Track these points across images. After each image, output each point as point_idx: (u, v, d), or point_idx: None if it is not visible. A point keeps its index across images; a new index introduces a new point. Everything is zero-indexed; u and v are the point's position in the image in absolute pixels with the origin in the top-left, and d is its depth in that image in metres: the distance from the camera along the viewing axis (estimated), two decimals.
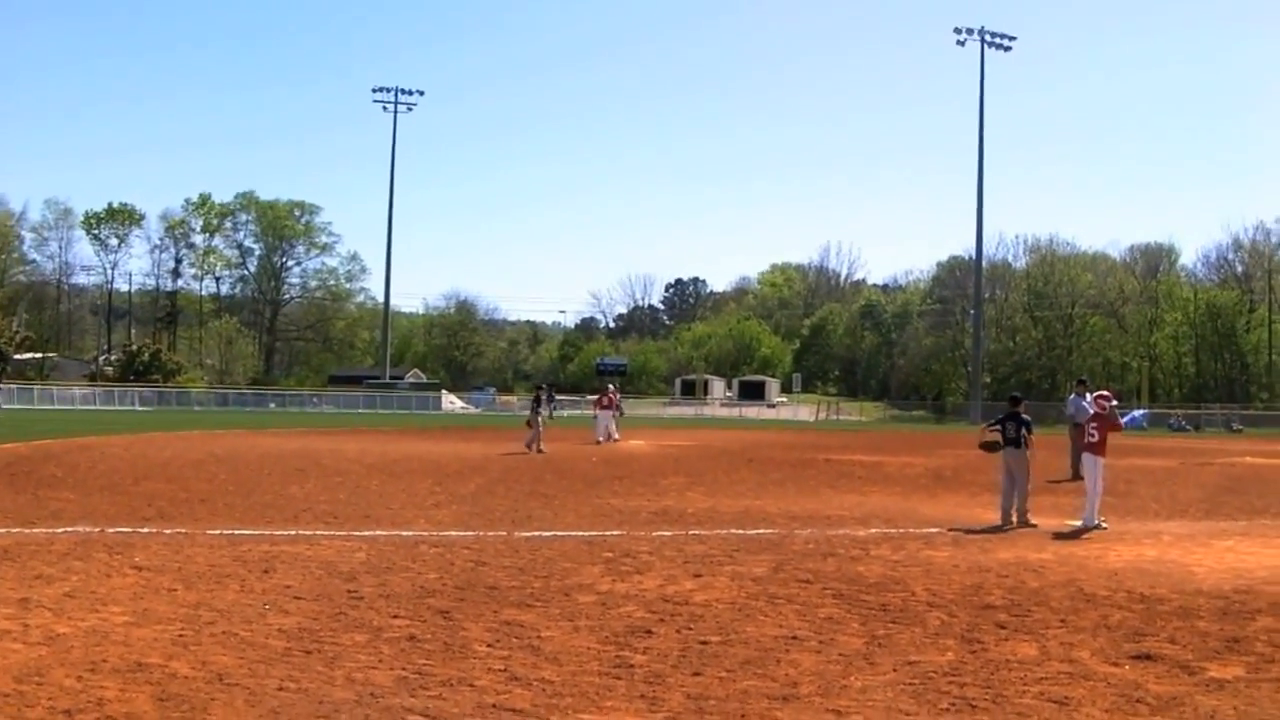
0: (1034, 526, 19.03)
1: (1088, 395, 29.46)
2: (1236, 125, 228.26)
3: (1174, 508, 23.33)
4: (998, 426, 20.30)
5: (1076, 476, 27.06)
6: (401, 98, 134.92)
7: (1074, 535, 18.34)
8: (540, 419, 41.84)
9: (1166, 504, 24.13)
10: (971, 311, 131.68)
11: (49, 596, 11.71)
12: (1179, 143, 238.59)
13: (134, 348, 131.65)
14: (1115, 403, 20.97)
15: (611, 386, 55.12)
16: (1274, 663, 9.72)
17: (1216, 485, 29.51)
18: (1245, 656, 9.93)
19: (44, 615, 10.77)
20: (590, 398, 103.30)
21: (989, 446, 20.36)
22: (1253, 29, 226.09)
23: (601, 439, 46.90)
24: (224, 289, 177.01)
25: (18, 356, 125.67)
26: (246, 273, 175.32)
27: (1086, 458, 20.02)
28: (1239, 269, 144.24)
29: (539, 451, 39.39)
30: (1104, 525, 19.05)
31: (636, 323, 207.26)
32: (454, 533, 17.67)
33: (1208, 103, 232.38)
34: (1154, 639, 10.56)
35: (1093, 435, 19.93)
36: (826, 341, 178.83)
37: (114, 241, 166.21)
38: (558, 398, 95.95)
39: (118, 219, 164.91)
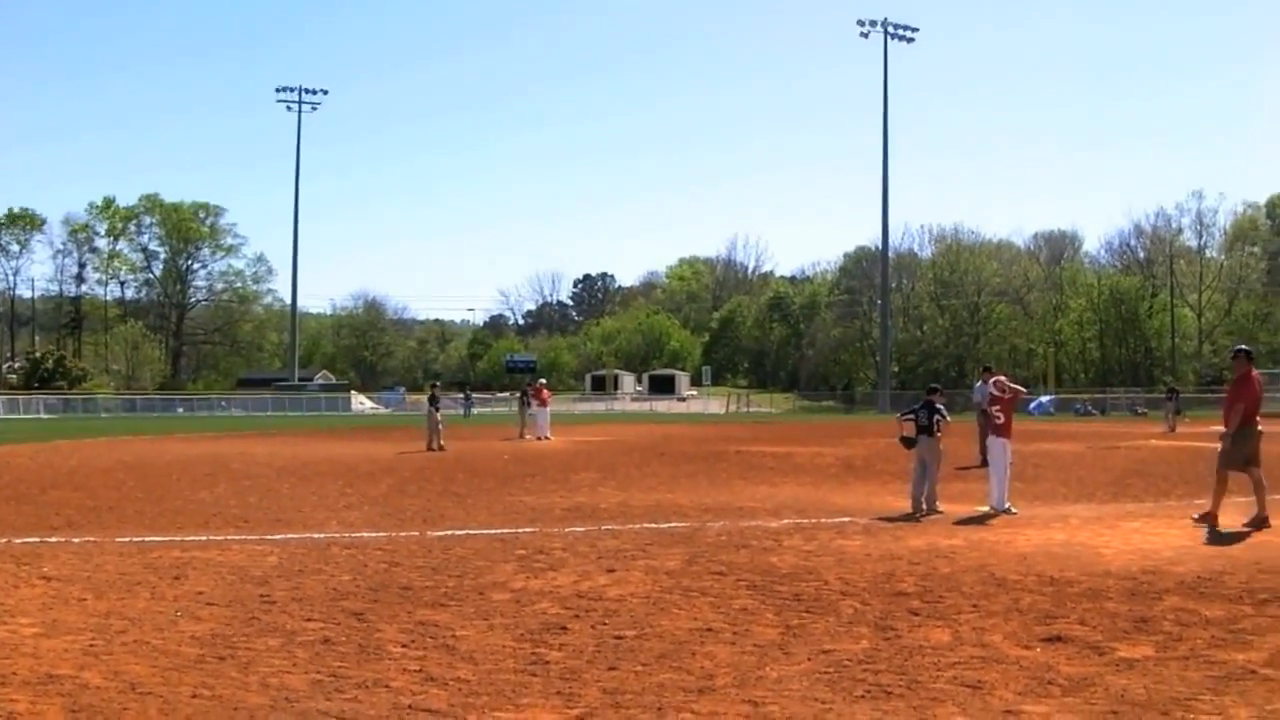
0: (941, 513, 19.18)
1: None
2: (1136, 112, 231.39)
3: (1081, 491, 23.61)
4: (911, 416, 20.44)
5: (985, 462, 27.33)
6: (305, 97, 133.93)
7: (983, 520, 18.52)
8: (439, 416, 41.96)
9: (1074, 488, 24.42)
10: (879, 302, 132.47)
11: None
12: (1080, 131, 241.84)
13: (38, 355, 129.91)
14: (1020, 387, 21.11)
15: (543, 381, 55.47)
16: (1182, 641, 9.86)
17: (1123, 468, 29.88)
18: (1154, 636, 10.07)
19: None
20: (502, 395, 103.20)
21: (908, 442, 20.48)
22: (1152, 14, 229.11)
23: (547, 435, 47.24)
24: (129, 293, 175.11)
25: None
26: (152, 276, 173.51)
27: (993, 441, 20.16)
28: (1141, 255, 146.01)
29: (438, 449, 39.44)
30: (1013, 510, 19.23)
31: (545, 319, 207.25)
32: (366, 534, 17.59)
33: (1107, 90, 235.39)
34: (1064, 621, 10.68)
35: (998, 418, 20.10)
36: (735, 334, 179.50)
37: (15, 247, 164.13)
38: (474, 396, 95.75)
39: (18, 224, 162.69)
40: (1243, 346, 19.62)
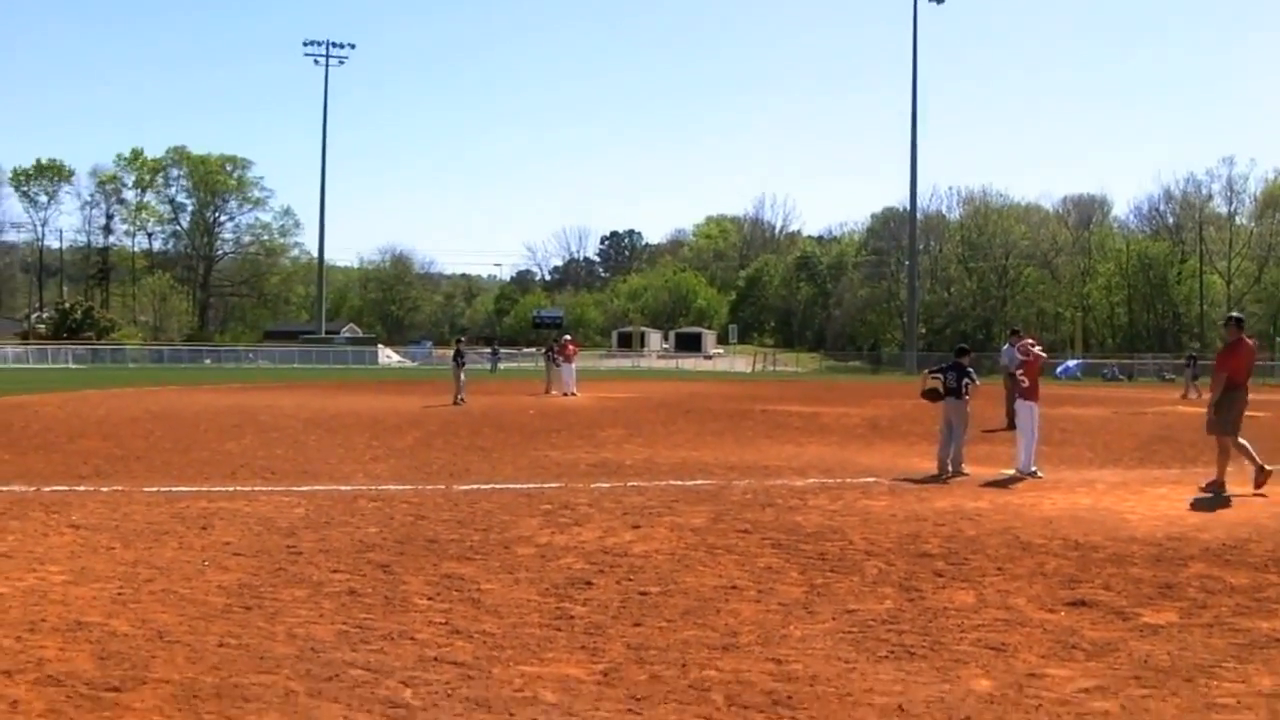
0: (967, 475, 19.15)
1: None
2: (1168, 76, 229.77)
3: (1108, 456, 23.55)
4: (939, 374, 20.38)
5: (1012, 425, 27.27)
6: (333, 51, 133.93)
7: (1008, 483, 18.47)
8: (462, 371, 42.08)
9: (1100, 452, 24.36)
10: (906, 263, 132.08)
11: None
12: (1111, 94, 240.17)
13: (67, 305, 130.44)
14: (1039, 347, 21.04)
15: (569, 336, 55.52)
16: (1206, 608, 9.85)
17: (1149, 434, 29.80)
18: (1178, 602, 10.05)
19: None
20: (529, 350, 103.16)
21: (930, 395, 20.45)
22: None
23: (573, 391, 47.33)
24: (157, 245, 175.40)
25: None
26: (179, 228, 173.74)
27: (1020, 405, 20.10)
28: (1170, 221, 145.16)
29: (458, 403, 39.54)
30: (1039, 474, 19.18)
31: (572, 275, 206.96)
32: (393, 486, 17.64)
33: (1139, 54, 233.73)
34: (1089, 586, 10.67)
35: (1023, 381, 20.04)
36: (762, 293, 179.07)
37: (44, 198, 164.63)
38: (501, 351, 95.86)
39: (47, 175, 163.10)
40: (1235, 314, 19.61)
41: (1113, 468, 21.18)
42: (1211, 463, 18.21)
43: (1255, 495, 17.03)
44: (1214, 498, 16.86)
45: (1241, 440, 17.95)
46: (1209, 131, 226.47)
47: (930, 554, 12.27)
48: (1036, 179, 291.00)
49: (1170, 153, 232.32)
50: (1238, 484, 17.33)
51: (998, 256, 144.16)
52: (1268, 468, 17.47)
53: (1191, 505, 16.02)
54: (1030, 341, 21.08)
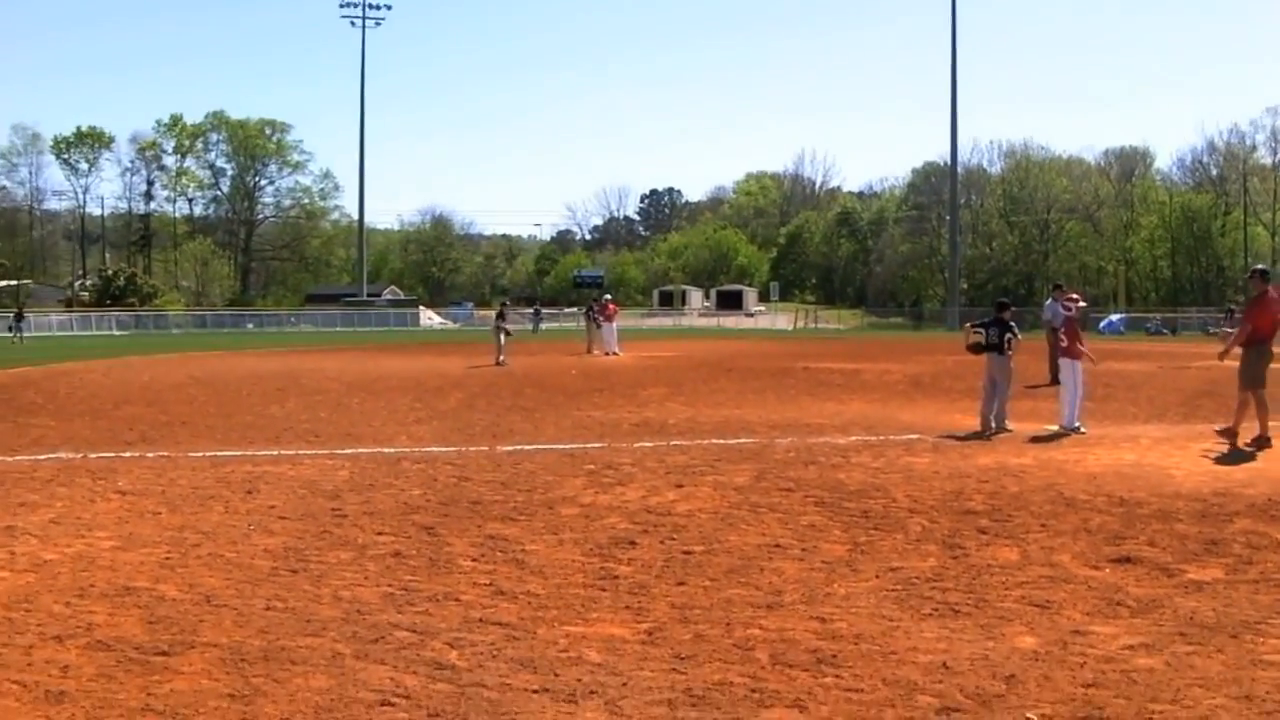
0: (1010, 431, 19.10)
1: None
2: (1211, 27, 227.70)
3: (1152, 411, 23.43)
4: (980, 329, 20.28)
5: (1055, 381, 27.18)
6: (369, 11, 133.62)
7: (1052, 439, 18.41)
8: (501, 333, 42.20)
9: (1145, 408, 24.22)
10: (947, 218, 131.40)
11: (34, 523, 11.72)
12: (1153, 45, 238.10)
13: (109, 272, 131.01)
14: (1083, 303, 20.94)
15: (609, 296, 55.54)
16: (1252, 564, 9.81)
17: (1194, 389, 29.59)
18: (1223, 558, 10.02)
19: (30, 542, 10.79)
20: (570, 310, 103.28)
21: (975, 349, 20.33)
22: None
23: (615, 350, 47.35)
24: (197, 210, 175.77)
25: None
26: (219, 193, 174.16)
27: (1064, 362, 20.00)
28: (1214, 172, 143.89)
29: (500, 364, 39.63)
30: (1083, 430, 19.11)
31: (613, 234, 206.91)
32: (436, 448, 17.70)
33: (1183, 3, 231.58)
34: (1134, 542, 10.65)
35: (1064, 340, 19.94)
36: (803, 250, 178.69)
37: (84, 165, 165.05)
38: (543, 311, 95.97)
39: (87, 142, 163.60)
40: (1260, 267, 19.51)
41: (1157, 423, 21.08)
42: (1272, 418, 18.11)
43: (1247, 447, 17.14)
44: (1242, 451, 16.85)
45: (1267, 400, 17.89)
46: (1253, 82, 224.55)
47: (974, 511, 12.25)
48: (1078, 132, 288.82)
49: (1213, 104, 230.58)
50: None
51: (1039, 210, 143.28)
52: (1271, 438, 17.37)
53: (1235, 461, 15.92)
54: (1074, 296, 20.98)
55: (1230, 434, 17.47)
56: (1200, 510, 12.19)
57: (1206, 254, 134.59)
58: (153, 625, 8.04)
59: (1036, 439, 18.36)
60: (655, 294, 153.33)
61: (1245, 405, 17.76)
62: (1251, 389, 17.76)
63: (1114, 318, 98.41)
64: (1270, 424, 17.60)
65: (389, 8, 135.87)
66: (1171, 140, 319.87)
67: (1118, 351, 50.14)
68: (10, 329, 72.83)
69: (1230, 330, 21.59)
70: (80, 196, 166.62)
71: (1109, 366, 20.94)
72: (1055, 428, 19.35)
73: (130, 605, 8.56)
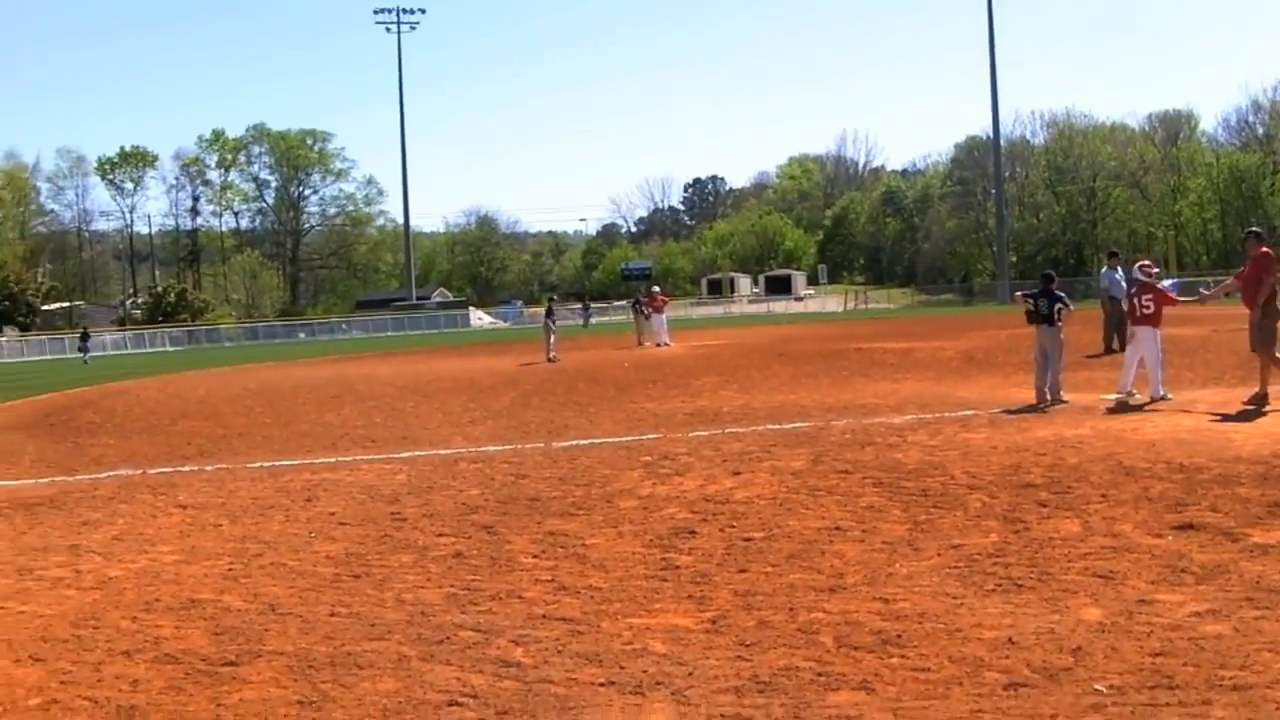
0: (1066, 403, 19.00)
1: (1119, 268, 29.40)
2: None
3: (1208, 375, 23.27)
4: (1031, 298, 20.14)
5: (1109, 350, 27.02)
6: (403, 17, 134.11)
7: (1111, 409, 18.31)
8: (552, 328, 42.34)
9: (1200, 372, 24.06)
10: (993, 191, 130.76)
11: (98, 541, 11.82)
12: (1193, 5, 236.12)
13: (160, 289, 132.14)
14: (1157, 270, 20.77)
15: (657, 288, 55.57)
16: None
17: (1250, 352, 29.34)
18: None
19: (94, 560, 10.87)
20: (619, 304, 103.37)
21: (1031, 317, 20.14)
22: None
23: (666, 341, 47.34)
24: (244, 223, 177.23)
25: (45, 307, 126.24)
26: (265, 205, 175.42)
27: (1144, 330, 19.54)
28: (1260, 131, 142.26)
29: (551, 360, 39.69)
30: (1169, 396, 18.99)
31: (658, 225, 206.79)
32: (492, 447, 17.74)
33: None
34: (1195, 508, 10.58)
35: (1148, 307, 19.58)
36: (849, 231, 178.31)
37: (129, 185, 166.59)
38: (593, 306, 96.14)
39: (131, 162, 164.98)
40: (1254, 228, 19.44)
41: (1214, 387, 20.94)
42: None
43: (1245, 404, 17.45)
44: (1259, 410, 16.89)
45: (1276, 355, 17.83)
46: None
47: (1033, 484, 12.19)
48: (1121, 97, 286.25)
49: (1257, 62, 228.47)
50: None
51: (1085, 179, 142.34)
52: (1269, 397, 17.45)
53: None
54: (1148, 263, 20.78)
55: (1260, 399, 17.37)
56: (1262, 473, 12.06)
57: (1257, 214, 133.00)
58: (219, 636, 8.09)
59: (1094, 409, 18.26)
60: (704, 283, 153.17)
61: (1268, 366, 17.69)
62: (1267, 350, 17.71)
63: (1166, 283, 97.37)
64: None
65: (423, 11, 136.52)
66: (1216, 101, 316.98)
67: (1171, 316, 49.71)
68: (79, 349, 73.46)
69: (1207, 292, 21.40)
70: (127, 216, 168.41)
71: (1164, 332, 20.77)
72: (1115, 396, 19.21)
73: (196, 617, 8.62)
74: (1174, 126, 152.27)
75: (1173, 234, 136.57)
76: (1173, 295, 20.28)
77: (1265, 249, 18.19)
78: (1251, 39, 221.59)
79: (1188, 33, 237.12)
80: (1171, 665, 6.57)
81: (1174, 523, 10.04)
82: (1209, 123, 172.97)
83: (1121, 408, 18.31)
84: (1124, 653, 6.83)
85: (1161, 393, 19.03)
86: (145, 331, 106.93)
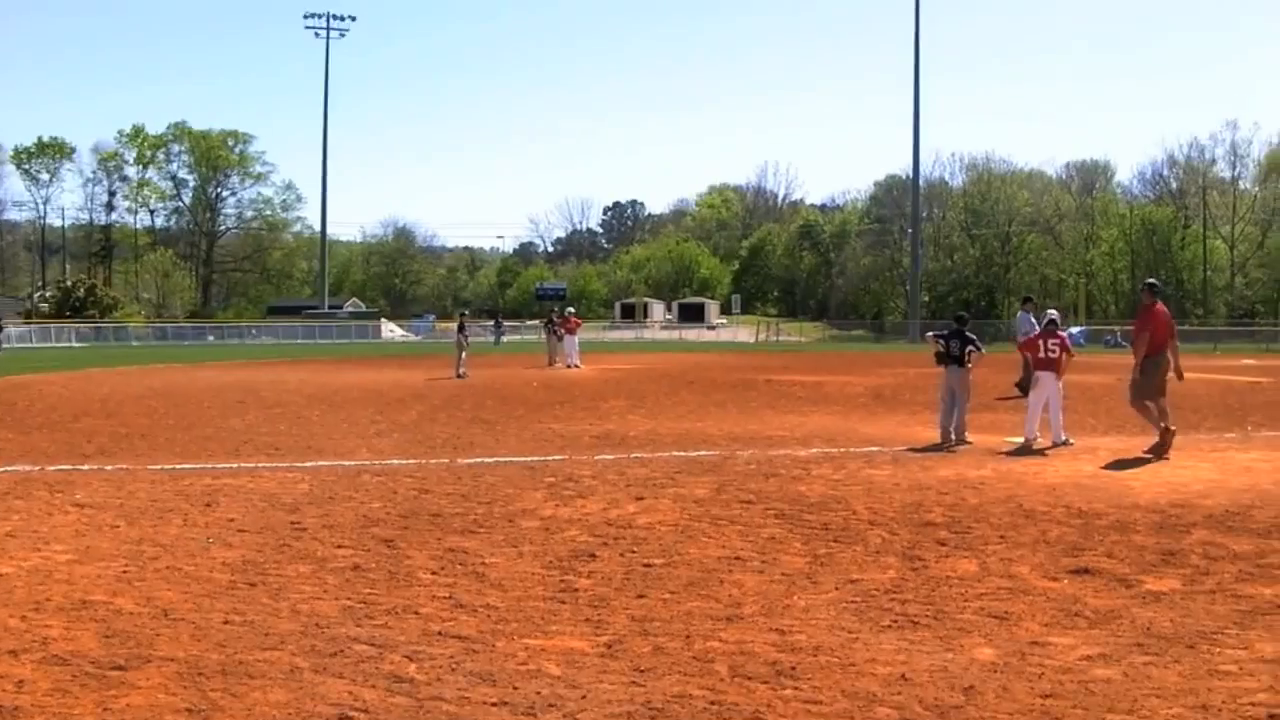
0: (970, 444, 19.17)
1: (1033, 313, 29.74)
2: (1171, 41, 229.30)
3: (1110, 423, 23.55)
4: (942, 338, 20.30)
5: (1025, 393, 27.32)
6: (333, 23, 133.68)
7: (1014, 452, 18.48)
8: (463, 344, 42.35)
9: (1104, 419, 24.37)
10: (909, 230, 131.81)
11: None
12: (1114, 59, 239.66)
13: (69, 283, 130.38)
14: (1065, 332, 20.98)
15: (571, 310, 55.64)
16: (1208, 575, 9.88)
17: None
18: (1181, 569, 10.08)
19: None
20: (532, 323, 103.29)
21: (939, 358, 20.28)
22: None
23: (576, 363, 47.39)
24: (159, 221, 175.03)
25: None
26: (181, 204, 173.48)
27: (1047, 376, 19.56)
28: (1174, 185, 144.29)
29: (460, 376, 39.64)
30: (1070, 441, 19.20)
31: (575, 247, 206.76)
32: (396, 461, 17.67)
33: (1143, 19, 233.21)
34: (1092, 554, 10.70)
35: (1053, 352, 19.72)
36: (765, 262, 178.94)
37: (45, 176, 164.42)
38: (505, 324, 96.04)
39: (48, 153, 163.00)
40: (1150, 280, 19.83)
41: (1116, 434, 21.18)
42: (1230, 429, 18.30)
43: (1144, 453, 17.71)
44: (1155, 458, 17.34)
45: (1167, 408, 18.17)
46: (1212, 96, 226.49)
47: (933, 523, 12.29)
48: (1040, 145, 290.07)
49: (1173, 118, 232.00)
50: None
51: (1001, 223, 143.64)
52: (1166, 447, 17.73)
53: (1192, 473, 16.02)
54: (1055, 313, 20.93)
55: (1160, 448, 17.65)
56: (1158, 521, 12.29)
57: (1166, 267, 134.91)
58: (109, 639, 7.99)
59: (996, 452, 18.44)
60: (617, 306, 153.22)
61: (1147, 412, 18.05)
62: (1148, 400, 18.05)
63: (1074, 330, 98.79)
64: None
65: (353, 19, 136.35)
66: (1133, 154, 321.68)
67: (1078, 364, 50.25)
68: None
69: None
70: (41, 207, 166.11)
71: (1068, 379, 20.95)
72: (1018, 440, 19.39)
73: (86, 619, 8.51)
74: (1090, 176, 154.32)
75: (1084, 282, 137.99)
76: (1070, 347, 20.44)
77: (1151, 303, 18.50)
78: (1170, 94, 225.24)
79: (1109, 85, 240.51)
80: (1061, 707, 6.63)
81: (1070, 566, 10.15)
82: (1125, 174, 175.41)
83: (1023, 451, 18.50)
84: (1015, 693, 6.88)
85: (1063, 438, 19.24)
86: (52, 326, 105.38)
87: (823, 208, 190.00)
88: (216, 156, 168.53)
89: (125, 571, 10.08)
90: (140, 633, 8.14)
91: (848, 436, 21.01)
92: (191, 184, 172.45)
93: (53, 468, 16.95)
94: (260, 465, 17.27)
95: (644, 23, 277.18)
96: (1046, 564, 10.29)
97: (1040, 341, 20.04)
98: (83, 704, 6.70)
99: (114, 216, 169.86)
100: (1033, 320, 29.44)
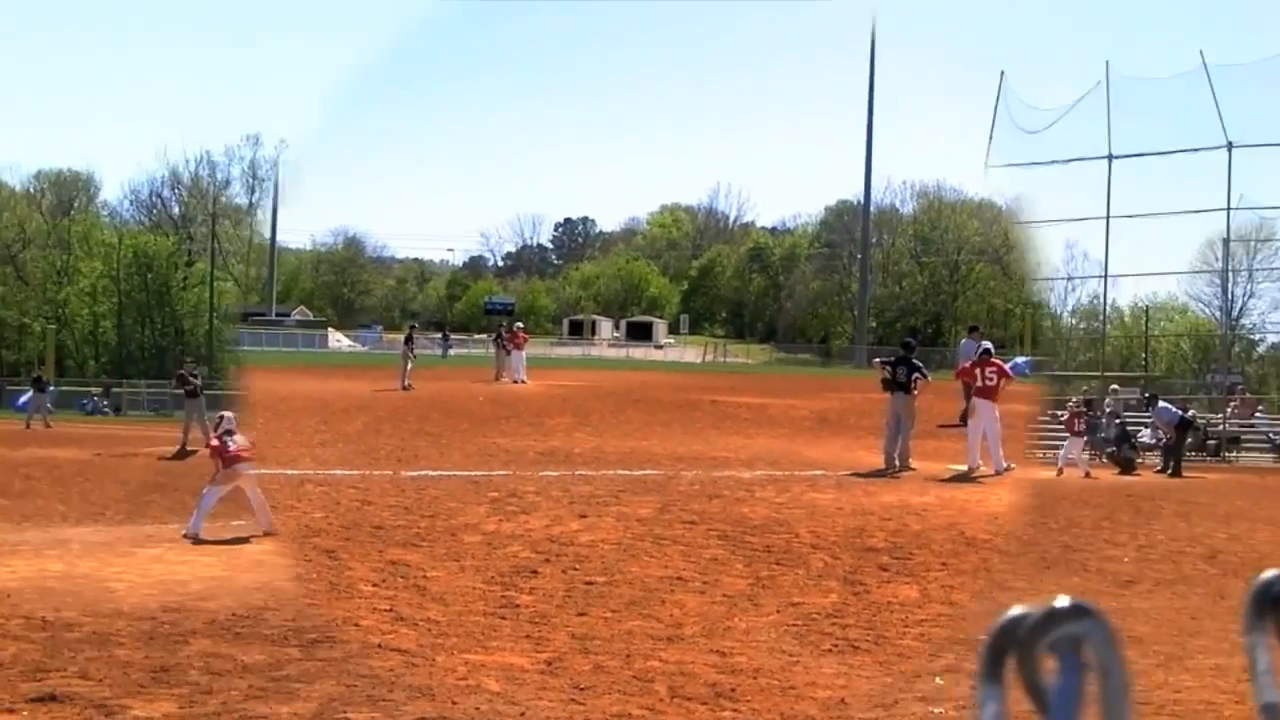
0: (913, 470, 19.22)
1: (978, 342, 29.91)
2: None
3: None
4: (889, 365, 20.37)
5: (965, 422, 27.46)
6: None
7: (956, 479, 18.56)
8: (410, 356, 42.24)
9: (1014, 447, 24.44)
10: (859, 256, 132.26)
11: None
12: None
13: None
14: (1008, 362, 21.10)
15: (520, 325, 55.60)
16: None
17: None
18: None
19: None
20: (480, 336, 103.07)
21: (886, 384, 20.34)
22: None
23: (523, 378, 47.29)
24: None
25: None
26: None
27: (984, 404, 19.71)
28: None
29: (406, 388, 39.58)
30: (1011, 467, 19.30)
31: (525, 262, 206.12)
32: (340, 471, 17.59)
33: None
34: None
35: (990, 379, 19.85)
36: (714, 284, 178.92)
37: None
38: (453, 337, 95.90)
39: None
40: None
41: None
42: None
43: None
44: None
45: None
46: None
47: (876, 548, 12.35)
48: (989, 175, 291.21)
49: None
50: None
51: (950, 251, 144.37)
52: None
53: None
54: (990, 350, 21.03)
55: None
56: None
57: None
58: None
59: (939, 478, 18.51)
60: (565, 323, 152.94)
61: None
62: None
63: (1019, 360, 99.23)
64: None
65: None
66: None
67: (1024, 394, 50.57)
68: None
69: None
70: None
71: (1008, 408, 20.90)
72: (961, 467, 19.45)
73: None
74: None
75: (1030, 312, 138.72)
76: (1010, 373, 20.57)
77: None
78: None
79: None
80: None
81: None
82: None
83: (965, 478, 18.57)
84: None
85: (1004, 465, 19.32)
86: None
87: (774, 230, 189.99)
88: None
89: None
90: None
91: (792, 460, 21.01)
92: None
93: None
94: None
95: (600, 40, 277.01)
96: (987, 591, 10.32)
97: (978, 370, 20.14)
98: None
99: None
100: (974, 349, 29.62)
